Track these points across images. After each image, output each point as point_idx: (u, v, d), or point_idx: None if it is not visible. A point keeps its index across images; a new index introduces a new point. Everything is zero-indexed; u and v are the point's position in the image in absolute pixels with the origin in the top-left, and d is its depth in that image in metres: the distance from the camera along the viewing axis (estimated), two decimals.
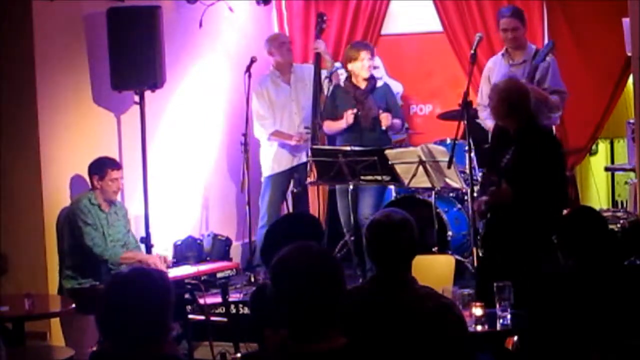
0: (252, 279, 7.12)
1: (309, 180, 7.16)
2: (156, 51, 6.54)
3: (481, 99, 6.90)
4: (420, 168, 6.52)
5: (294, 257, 2.82)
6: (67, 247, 6.20)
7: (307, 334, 2.77)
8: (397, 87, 7.88)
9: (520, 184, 5.57)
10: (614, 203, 8.47)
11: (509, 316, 4.52)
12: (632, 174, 7.66)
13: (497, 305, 4.55)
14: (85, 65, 6.66)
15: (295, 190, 7.62)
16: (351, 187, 6.82)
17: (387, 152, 6.58)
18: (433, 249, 6.70)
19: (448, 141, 7.11)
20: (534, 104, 5.95)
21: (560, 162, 5.86)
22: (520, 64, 6.83)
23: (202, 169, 7.87)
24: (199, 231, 7.68)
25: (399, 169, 6.57)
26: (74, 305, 5.56)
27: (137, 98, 6.61)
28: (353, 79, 7.15)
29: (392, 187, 7.29)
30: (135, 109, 6.66)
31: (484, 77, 7.06)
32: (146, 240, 6.51)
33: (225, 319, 6.10)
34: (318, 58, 7.52)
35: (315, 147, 7.07)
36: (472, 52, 6.54)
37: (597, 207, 7.07)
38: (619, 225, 6.64)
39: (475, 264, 6.25)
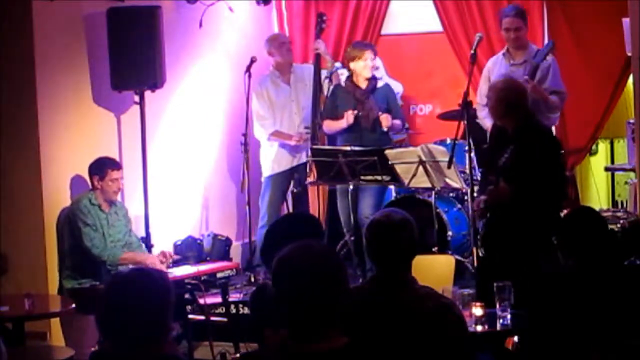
0: (252, 279, 7.12)
1: (309, 180, 7.16)
2: (156, 51, 6.55)
3: (480, 98, 6.90)
4: (420, 168, 6.52)
5: (296, 256, 2.79)
6: (67, 247, 6.20)
7: (307, 334, 2.77)
8: (397, 87, 7.88)
9: (518, 183, 5.57)
10: (614, 203, 8.47)
11: (509, 316, 4.52)
12: (632, 174, 7.66)
13: (497, 305, 4.55)
14: (85, 65, 6.66)
15: (295, 190, 7.62)
16: (351, 187, 6.82)
17: (387, 152, 6.58)
18: (433, 249, 6.70)
19: (448, 141, 7.11)
20: (531, 103, 5.97)
21: (558, 160, 5.87)
22: (520, 64, 6.83)
23: (202, 169, 7.87)
24: (199, 231, 7.68)
25: (399, 169, 6.57)
26: (74, 305, 5.56)
27: (137, 98, 6.62)
28: (354, 79, 7.15)
29: (392, 187, 7.29)
30: (135, 109, 6.66)
31: (483, 77, 7.06)
32: (146, 240, 6.51)
33: (225, 319, 6.10)
34: (318, 58, 7.52)
35: (315, 147, 7.06)
36: (472, 52, 6.54)
37: (597, 207, 7.08)
38: (619, 225, 6.63)
39: (475, 264, 6.25)
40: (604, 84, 7.61)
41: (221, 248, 7.44)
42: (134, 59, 6.48)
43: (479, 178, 6.56)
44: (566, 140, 7.60)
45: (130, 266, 5.74)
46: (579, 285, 4.01)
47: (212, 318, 6.06)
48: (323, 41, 7.61)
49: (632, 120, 7.05)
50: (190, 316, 5.97)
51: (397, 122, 7.11)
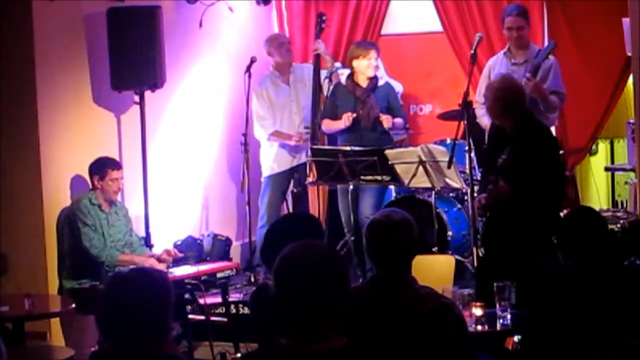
0: (252, 279, 7.12)
1: (308, 180, 7.16)
2: (156, 51, 6.55)
3: (479, 96, 6.90)
4: (420, 168, 6.51)
5: (298, 255, 2.78)
6: (67, 247, 6.20)
7: (308, 334, 2.76)
8: (397, 87, 7.87)
9: (517, 181, 5.57)
10: (614, 203, 8.47)
11: (509, 316, 4.52)
12: (632, 174, 7.66)
13: (497, 305, 4.55)
14: (85, 65, 6.66)
15: (295, 190, 7.62)
16: (351, 187, 6.82)
17: (387, 152, 6.58)
18: (433, 249, 6.70)
19: (448, 141, 7.11)
20: (529, 103, 5.97)
21: (557, 158, 5.87)
22: (521, 63, 6.82)
23: (202, 169, 7.87)
24: (199, 231, 7.69)
25: (399, 169, 6.56)
26: (74, 305, 5.56)
27: (137, 98, 6.62)
28: (355, 77, 7.14)
29: (392, 187, 7.28)
30: (135, 109, 6.66)
31: (483, 75, 7.05)
32: (146, 240, 6.51)
33: (225, 319, 6.10)
34: (318, 58, 7.52)
35: (315, 147, 7.06)
36: (472, 52, 6.54)
37: (597, 207, 7.08)
38: (619, 225, 6.63)
39: (475, 264, 6.26)
40: (604, 84, 7.61)
41: (221, 248, 7.44)
42: (134, 59, 6.48)
43: (479, 178, 6.57)
44: (566, 140, 7.60)
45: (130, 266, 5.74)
46: (579, 285, 4.01)
47: (212, 318, 6.05)
48: (323, 41, 7.61)
49: (632, 120, 7.05)
50: (190, 316, 5.96)
51: (399, 120, 7.10)
